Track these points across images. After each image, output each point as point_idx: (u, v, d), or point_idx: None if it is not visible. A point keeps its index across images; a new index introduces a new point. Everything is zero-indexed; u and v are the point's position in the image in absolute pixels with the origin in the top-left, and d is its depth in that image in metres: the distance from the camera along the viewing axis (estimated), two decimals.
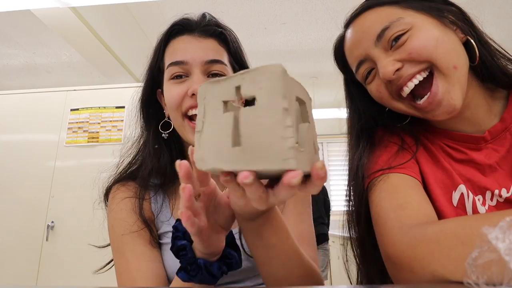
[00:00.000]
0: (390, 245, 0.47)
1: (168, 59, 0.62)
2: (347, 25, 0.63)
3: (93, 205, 0.65)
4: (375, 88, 0.59)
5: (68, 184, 2.26)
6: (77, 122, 2.38)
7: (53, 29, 2.45)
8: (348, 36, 0.61)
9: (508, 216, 0.27)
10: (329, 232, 4.05)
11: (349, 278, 0.66)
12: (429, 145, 0.61)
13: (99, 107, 2.39)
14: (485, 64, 0.56)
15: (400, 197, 0.52)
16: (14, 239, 2.23)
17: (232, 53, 0.66)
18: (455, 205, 0.56)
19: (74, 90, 2.48)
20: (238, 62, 0.67)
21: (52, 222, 2.21)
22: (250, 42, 3.12)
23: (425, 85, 0.54)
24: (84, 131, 2.36)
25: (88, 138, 2.34)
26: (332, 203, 4.94)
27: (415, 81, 0.54)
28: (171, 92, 0.60)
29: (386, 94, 0.58)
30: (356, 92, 0.67)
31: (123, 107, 2.37)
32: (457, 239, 0.39)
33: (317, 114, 4.13)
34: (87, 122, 2.37)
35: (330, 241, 4.22)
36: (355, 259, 0.65)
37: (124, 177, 0.66)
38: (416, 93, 0.56)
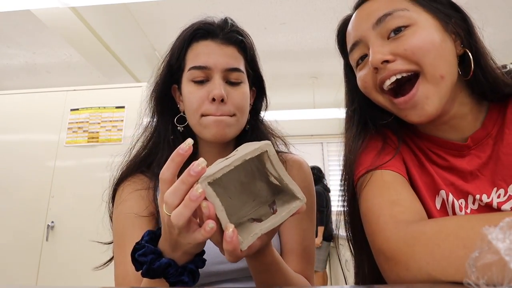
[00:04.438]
0: (385, 241, 0.46)
1: (190, 61, 0.65)
2: (355, 8, 0.62)
3: (95, 204, 0.67)
4: (362, 76, 0.58)
5: (68, 184, 2.26)
6: (77, 122, 2.38)
7: (53, 29, 2.45)
8: (352, 18, 0.60)
9: (510, 217, 0.27)
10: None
11: (345, 279, 0.66)
12: (415, 148, 0.61)
13: (99, 107, 2.39)
14: (476, 79, 0.55)
15: (393, 193, 0.52)
16: (14, 239, 2.23)
17: (248, 60, 0.70)
18: (438, 208, 0.57)
19: (74, 90, 2.48)
20: (253, 68, 0.72)
21: (52, 222, 2.21)
22: None
23: (410, 85, 0.54)
24: (84, 131, 2.36)
25: (88, 138, 2.34)
26: (331, 203, 4.96)
27: (399, 76, 0.54)
28: (192, 94, 0.64)
29: (370, 84, 0.57)
30: (352, 78, 0.66)
31: (123, 107, 2.37)
32: (458, 240, 0.39)
33: (317, 114, 4.13)
34: (87, 122, 2.37)
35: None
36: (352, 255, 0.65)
37: (133, 169, 0.69)
38: (399, 91, 0.55)
